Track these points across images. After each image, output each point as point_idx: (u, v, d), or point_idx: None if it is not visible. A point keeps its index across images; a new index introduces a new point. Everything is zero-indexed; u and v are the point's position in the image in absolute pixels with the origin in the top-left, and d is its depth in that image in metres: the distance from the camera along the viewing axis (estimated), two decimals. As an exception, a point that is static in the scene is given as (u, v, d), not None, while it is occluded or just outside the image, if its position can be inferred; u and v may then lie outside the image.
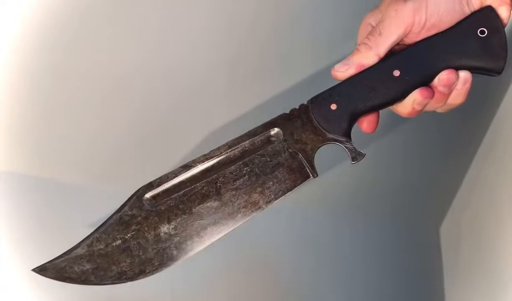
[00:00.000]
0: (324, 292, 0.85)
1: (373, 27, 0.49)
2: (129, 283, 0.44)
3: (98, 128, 0.57)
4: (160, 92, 0.58)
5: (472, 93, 0.49)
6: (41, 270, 0.43)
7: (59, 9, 0.48)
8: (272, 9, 0.60)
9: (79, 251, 0.43)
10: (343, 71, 0.47)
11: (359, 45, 0.47)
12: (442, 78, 0.47)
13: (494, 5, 0.47)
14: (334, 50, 0.66)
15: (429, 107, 0.48)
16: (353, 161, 0.46)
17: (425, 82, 0.47)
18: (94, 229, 0.44)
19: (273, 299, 0.78)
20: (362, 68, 0.47)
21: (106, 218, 0.45)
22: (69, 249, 0.44)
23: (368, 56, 0.46)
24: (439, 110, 0.50)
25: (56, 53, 0.51)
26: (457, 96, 0.48)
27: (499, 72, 0.47)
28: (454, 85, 0.47)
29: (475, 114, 0.91)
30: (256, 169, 0.46)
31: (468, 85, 0.48)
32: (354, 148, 0.46)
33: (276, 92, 0.66)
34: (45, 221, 0.57)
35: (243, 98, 0.65)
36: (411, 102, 0.47)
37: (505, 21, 0.47)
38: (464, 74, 0.47)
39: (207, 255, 0.62)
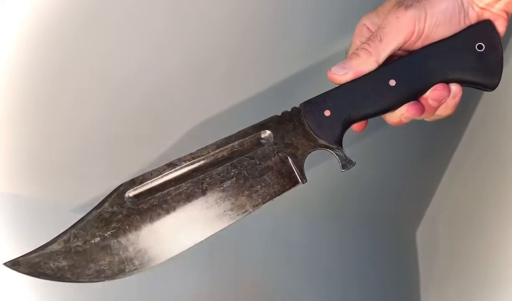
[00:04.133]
0: (301, 297, 0.84)
1: (369, 29, 0.49)
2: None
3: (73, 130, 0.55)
4: (142, 90, 0.57)
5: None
6: (14, 264, 0.41)
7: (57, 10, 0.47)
8: (265, 5, 0.59)
9: (55, 246, 0.42)
10: (341, 75, 0.46)
11: (357, 49, 0.46)
12: (434, 92, 0.47)
13: (491, 18, 0.47)
14: (326, 49, 0.66)
15: (417, 117, 0.48)
16: (343, 169, 0.45)
17: (419, 93, 0.47)
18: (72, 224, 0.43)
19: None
20: (360, 74, 0.46)
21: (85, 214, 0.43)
22: (44, 244, 0.42)
23: (368, 62, 0.46)
24: (426, 119, 0.50)
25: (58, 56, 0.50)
26: (446, 109, 0.49)
27: (493, 88, 0.47)
28: (444, 100, 0.47)
29: (450, 121, 0.93)
30: (245, 171, 0.44)
31: (457, 99, 0.48)
32: (345, 155, 0.45)
33: (265, 91, 0.65)
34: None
35: (229, 97, 0.64)
36: (399, 115, 0.48)
37: (500, 35, 0.47)
38: (454, 88, 0.47)
39: (181, 262, 0.61)
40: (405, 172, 0.97)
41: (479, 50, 0.46)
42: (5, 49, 0.47)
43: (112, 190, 0.43)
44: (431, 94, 0.47)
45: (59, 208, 0.57)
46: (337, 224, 0.91)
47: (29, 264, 0.41)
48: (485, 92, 0.88)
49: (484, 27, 0.46)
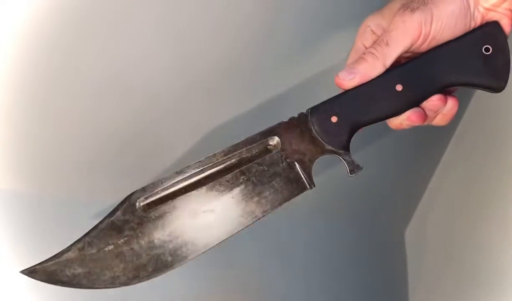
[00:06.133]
0: (288, 295, 0.85)
1: (372, 31, 0.49)
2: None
3: (86, 132, 0.55)
4: (153, 94, 0.56)
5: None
6: (31, 272, 0.42)
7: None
8: (270, 8, 0.58)
9: (70, 255, 0.42)
10: (348, 80, 0.45)
11: (364, 54, 0.46)
12: (430, 103, 0.47)
13: (496, 18, 0.46)
14: (330, 51, 0.66)
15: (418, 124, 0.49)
16: (350, 173, 0.46)
17: (426, 97, 0.47)
18: (85, 232, 0.43)
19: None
20: (367, 79, 0.46)
21: (97, 222, 0.44)
22: (59, 252, 0.43)
23: (375, 66, 0.45)
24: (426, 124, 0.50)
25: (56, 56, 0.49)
26: (442, 119, 0.49)
27: (499, 91, 0.47)
28: (440, 110, 0.48)
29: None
30: (253, 178, 0.45)
31: (453, 112, 0.48)
32: (352, 160, 0.46)
33: (273, 94, 0.65)
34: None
35: (237, 100, 0.63)
36: (401, 119, 0.48)
37: (507, 35, 0.46)
38: (451, 102, 0.48)
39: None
40: (394, 172, 0.98)
41: (486, 53, 0.46)
42: (18, 44, 0.46)
43: (123, 198, 0.44)
44: (427, 105, 0.47)
45: (70, 207, 0.57)
46: (326, 223, 0.91)
47: (46, 272, 0.42)
48: (476, 94, 0.90)
49: (491, 29, 0.46)
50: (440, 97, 0.47)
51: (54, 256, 0.43)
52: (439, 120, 0.49)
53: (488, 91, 0.48)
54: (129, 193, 0.44)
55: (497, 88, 0.47)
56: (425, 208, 1.04)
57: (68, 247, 0.43)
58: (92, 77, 0.52)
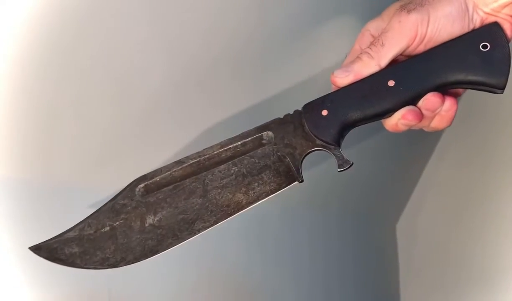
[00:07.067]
0: (283, 289, 0.85)
1: (372, 35, 0.49)
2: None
3: (89, 126, 0.56)
4: (155, 91, 0.58)
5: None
6: (36, 249, 0.45)
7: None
8: (269, 6, 0.59)
9: (71, 234, 0.45)
10: (342, 78, 0.46)
11: (360, 53, 0.47)
12: (425, 102, 0.46)
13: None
14: (331, 51, 0.66)
15: (414, 126, 0.48)
16: (339, 168, 0.46)
17: (419, 95, 0.46)
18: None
19: (228, 297, 0.78)
20: (361, 77, 0.46)
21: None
22: (64, 231, 0.45)
23: (369, 65, 0.46)
24: (425, 129, 0.49)
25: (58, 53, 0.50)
26: (441, 121, 0.47)
27: (501, 88, 0.45)
28: (437, 109, 0.46)
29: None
30: (244, 169, 0.46)
31: (451, 112, 0.47)
32: (342, 155, 0.46)
33: (271, 94, 0.66)
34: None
35: (237, 99, 0.65)
36: (396, 119, 0.47)
37: (508, 38, 0.46)
38: (448, 102, 0.46)
39: (155, 258, 0.62)
40: (385, 167, 0.98)
41: (483, 50, 0.45)
42: (18, 44, 0.47)
43: (127, 184, 0.47)
44: (423, 104, 0.46)
45: (72, 200, 0.58)
46: (318, 217, 0.91)
47: (48, 249, 0.45)
48: (466, 90, 0.91)
49: (489, 28, 0.45)
50: (435, 94, 0.46)
51: (59, 234, 0.45)
52: (437, 122, 0.47)
53: (490, 91, 0.46)
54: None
55: (498, 85, 0.45)
56: (416, 202, 1.05)
57: (72, 227, 0.46)
58: (92, 75, 0.53)
